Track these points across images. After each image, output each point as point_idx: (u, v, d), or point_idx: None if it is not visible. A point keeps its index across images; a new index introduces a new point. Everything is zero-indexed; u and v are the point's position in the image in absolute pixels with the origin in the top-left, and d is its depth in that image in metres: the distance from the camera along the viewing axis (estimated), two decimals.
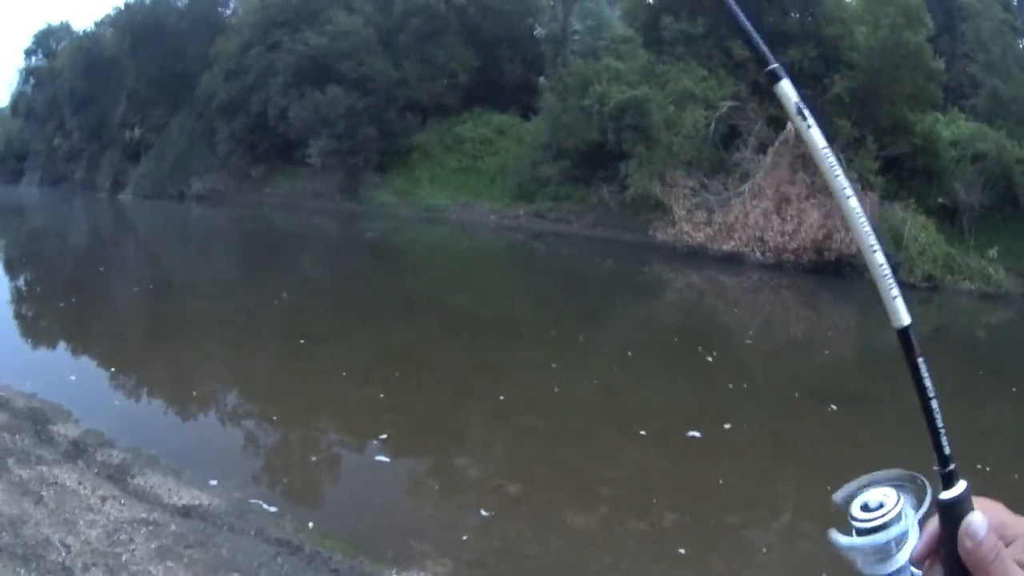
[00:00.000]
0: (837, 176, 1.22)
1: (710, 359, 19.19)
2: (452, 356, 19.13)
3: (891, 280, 1.25)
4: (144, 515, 9.65)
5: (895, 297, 1.25)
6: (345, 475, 12.71)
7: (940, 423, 1.28)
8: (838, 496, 1.41)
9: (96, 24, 76.31)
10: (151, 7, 65.57)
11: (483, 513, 10.64)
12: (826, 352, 21.82)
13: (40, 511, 9.42)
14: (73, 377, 16.51)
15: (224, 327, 21.73)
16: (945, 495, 1.26)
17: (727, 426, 13.82)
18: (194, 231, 48.42)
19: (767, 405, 16.06)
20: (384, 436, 13.24)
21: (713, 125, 35.41)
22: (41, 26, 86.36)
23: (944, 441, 1.28)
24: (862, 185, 30.97)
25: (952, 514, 1.25)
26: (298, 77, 49.89)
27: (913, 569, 1.33)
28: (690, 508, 11.16)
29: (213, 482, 11.03)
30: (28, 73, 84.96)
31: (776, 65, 1.27)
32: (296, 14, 53.51)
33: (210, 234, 46.41)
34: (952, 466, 1.26)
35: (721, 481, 12.09)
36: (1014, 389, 17.85)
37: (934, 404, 1.28)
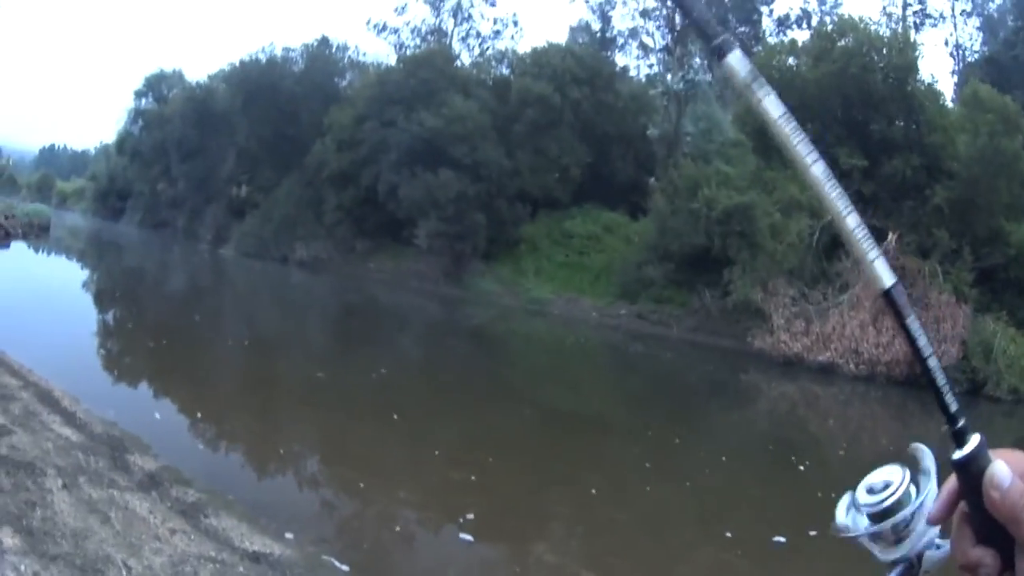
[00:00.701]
0: (797, 144, 1.26)
1: (801, 468, 19.86)
2: (545, 445, 19.54)
3: (869, 243, 1.29)
4: (212, 553, 9.76)
5: (874, 260, 1.28)
6: (424, 548, 12.91)
7: (942, 380, 1.28)
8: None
9: (209, 77, 79.47)
10: (267, 67, 68.02)
11: None
12: None
13: (106, 530, 9.52)
14: (157, 415, 17.26)
15: (318, 392, 22.18)
16: (958, 453, 1.27)
17: (812, 533, 13.64)
18: (295, 295, 49.59)
19: None
20: (470, 516, 13.30)
21: (817, 234, 35.95)
22: (153, 70, 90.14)
23: (949, 398, 1.27)
24: (956, 297, 31.95)
25: (971, 471, 1.26)
26: (411, 156, 50.86)
27: (938, 540, 1.37)
28: None
29: (289, 535, 11.31)
30: (137, 114, 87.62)
31: (723, 37, 1.25)
32: (412, 93, 54.74)
33: (311, 300, 47.72)
34: (962, 422, 1.26)
35: None
36: None
37: (932, 362, 1.28)
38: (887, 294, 1.29)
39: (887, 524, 1.38)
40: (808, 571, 13.34)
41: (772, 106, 1.26)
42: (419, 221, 49.81)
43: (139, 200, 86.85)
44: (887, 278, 1.27)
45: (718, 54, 1.25)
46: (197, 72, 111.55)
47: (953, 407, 1.27)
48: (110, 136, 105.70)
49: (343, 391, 22.72)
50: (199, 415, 17.77)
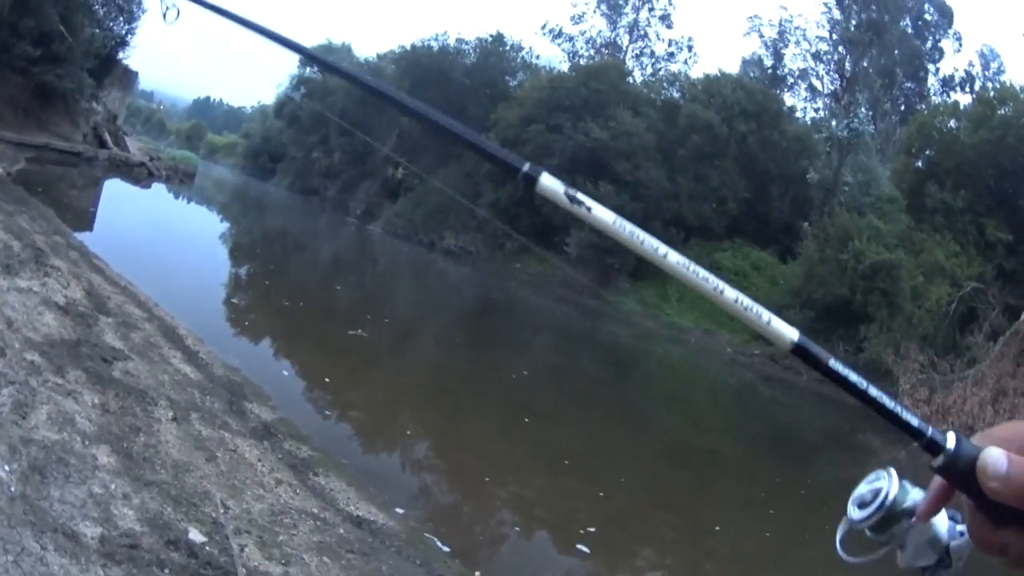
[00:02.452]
0: (642, 241, 1.38)
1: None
2: (671, 474, 19.75)
3: (757, 309, 1.35)
4: (315, 510, 9.64)
5: (769, 321, 1.34)
6: (535, 549, 12.86)
7: (890, 403, 1.33)
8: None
9: (378, 56, 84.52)
10: (438, 55, 71.78)
11: None
12: None
13: (209, 467, 9.46)
14: (285, 372, 18.08)
15: (449, 380, 22.78)
16: (937, 460, 1.30)
17: None
18: (438, 282, 51.35)
19: None
20: (592, 529, 13.23)
21: (955, 304, 37.36)
22: (321, 41, 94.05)
23: (907, 415, 1.32)
24: None
25: (959, 469, 1.29)
26: (573, 164, 52.51)
27: (960, 527, 1.43)
28: None
29: (398, 509, 11.47)
30: (300, 81, 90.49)
31: (526, 167, 1.34)
32: (582, 102, 57.30)
33: (454, 290, 49.43)
34: (929, 431, 1.29)
35: None
36: None
37: (872, 391, 1.33)
38: (796, 347, 1.39)
39: (897, 529, 1.46)
40: None
41: (602, 214, 1.41)
42: (572, 230, 50.81)
43: (291, 164, 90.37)
44: (790, 333, 1.37)
45: (527, 182, 1.37)
46: (365, 50, 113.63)
47: (914, 422, 1.34)
48: (268, 99, 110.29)
49: (475, 385, 23.10)
50: (326, 380, 18.44)
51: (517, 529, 13.38)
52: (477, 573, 10.59)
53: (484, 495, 14.48)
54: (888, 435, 30.82)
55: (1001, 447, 1.30)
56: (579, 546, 12.54)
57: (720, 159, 54.86)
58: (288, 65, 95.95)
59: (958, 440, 1.32)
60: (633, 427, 23.57)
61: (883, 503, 1.44)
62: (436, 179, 63.58)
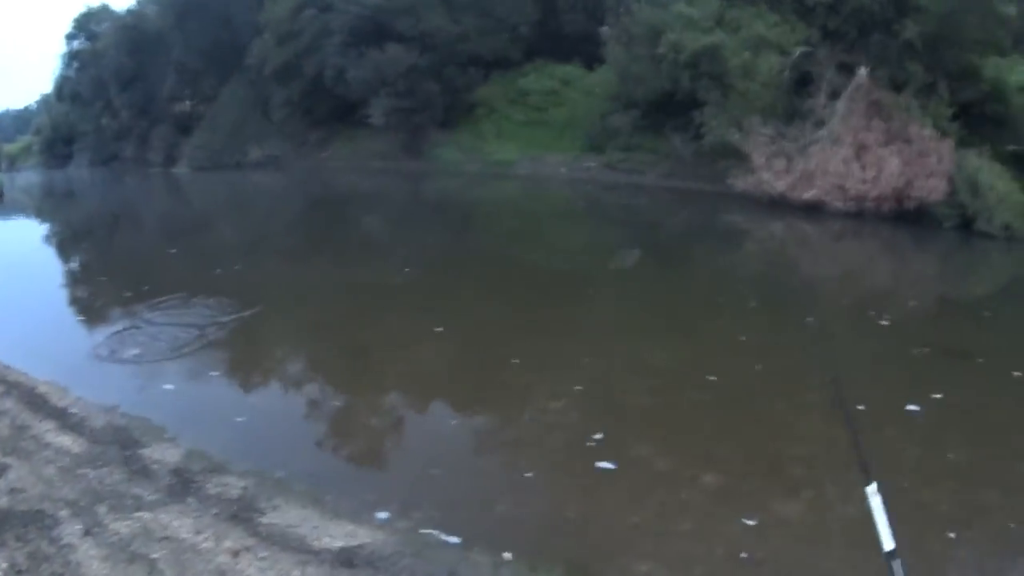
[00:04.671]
0: None
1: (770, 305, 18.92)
2: (584, 304, 18.35)
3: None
4: (295, 571, 7.81)
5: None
6: (548, 485, 10.43)
7: None
8: None
9: (138, 2, 76.03)
10: None
11: (748, 523, 9.01)
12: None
13: None
14: (166, 387, 13.84)
15: (334, 309, 19.23)
16: None
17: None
18: (256, 199, 46.94)
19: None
20: (599, 436, 11.17)
21: (787, 72, 33.92)
22: (80, 10, 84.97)
23: None
24: (937, 132, 29.83)
25: None
26: (355, 37, 48.42)
27: None
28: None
29: (380, 515, 9.15)
30: (71, 57, 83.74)
31: None
32: None
33: (274, 201, 45.25)
34: None
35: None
36: None
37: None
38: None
39: None
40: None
41: None
42: (371, 100, 47.51)
43: (85, 140, 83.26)
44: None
45: None
46: (123, 1, 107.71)
47: None
48: (48, 87, 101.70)
49: (359, 301, 19.54)
50: (210, 371, 14.66)
51: (513, 468, 10.67)
52: (507, 555, 8.38)
53: (444, 438, 11.91)
54: (752, 211, 30.68)
55: None
56: (599, 463, 10.42)
57: None
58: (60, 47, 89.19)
59: None
60: (512, 272, 22.02)
61: None
62: (224, 98, 60.08)
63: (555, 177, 40.21)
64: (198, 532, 8.37)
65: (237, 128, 57.47)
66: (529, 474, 10.34)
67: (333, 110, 51.67)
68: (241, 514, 8.87)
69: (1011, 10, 32.74)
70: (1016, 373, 13.69)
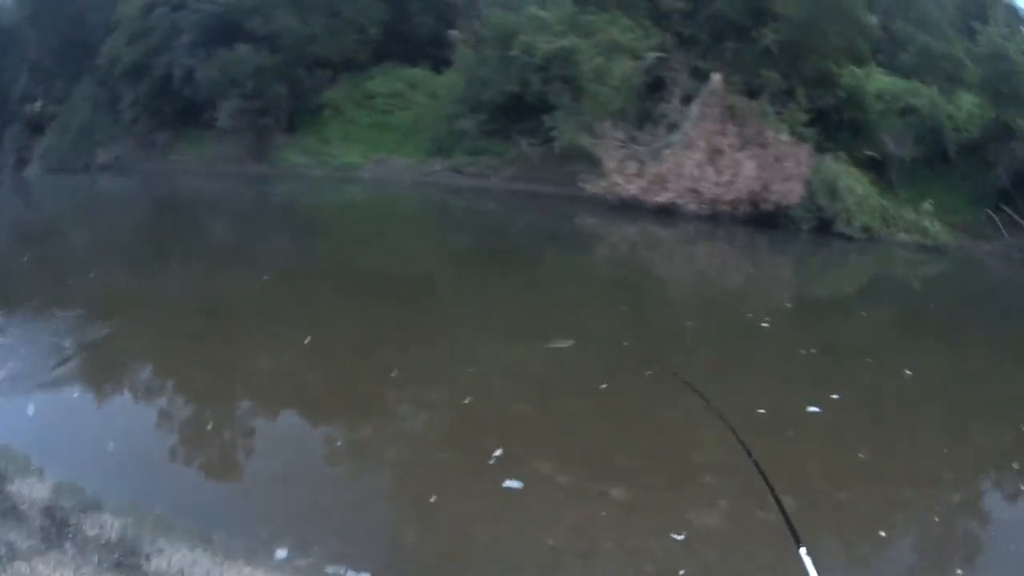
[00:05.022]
0: None
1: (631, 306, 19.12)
2: (425, 307, 18.27)
3: None
4: None
5: None
6: (455, 509, 9.52)
7: None
8: None
9: None
10: None
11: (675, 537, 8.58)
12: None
13: None
14: (29, 409, 12.21)
15: (192, 316, 17.64)
16: None
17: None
18: (100, 204, 44.56)
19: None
20: (498, 453, 10.45)
21: (640, 76, 33.64)
22: None
23: None
24: (795, 137, 30.07)
25: None
26: (205, 36, 46.29)
27: None
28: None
29: (280, 553, 8.08)
30: None
31: None
32: None
33: (118, 205, 42.80)
34: None
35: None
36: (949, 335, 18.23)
37: None
38: None
39: None
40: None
41: None
42: (219, 102, 45.36)
43: None
44: None
45: None
46: None
47: None
48: None
49: (211, 311, 18.02)
50: (73, 392, 12.95)
51: (417, 490, 9.71)
52: None
53: (335, 462, 10.97)
54: (604, 215, 30.00)
55: None
56: (506, 483, 9.73)
57: None
58: None
59: None
60: (371, 279, 21.03)
61: None
62: (75, 99, 56.74)
63: (401, 181, 39.08)
64: None
65: (86, 130, 54.95)
66: (433, 498, 9.45)
67: (181, 112, 49.54)
68: (125, 560, 7.77)
69: (872, 19, 33.41)
70: (907, 371, 14.29)
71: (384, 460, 10.62)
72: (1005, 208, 28.28)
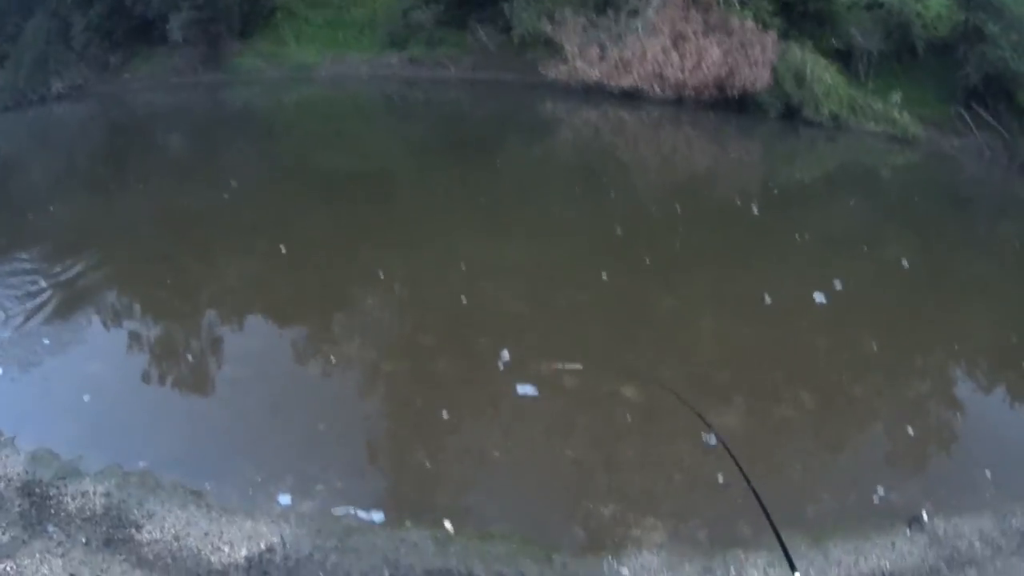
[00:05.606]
0: None
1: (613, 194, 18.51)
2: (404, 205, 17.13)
3: None
4: None
5: None
6: (471, 423, 8.99)
7: None
8: None
9: None
10: None
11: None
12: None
13: None
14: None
15: (146, 229, 16.34)
16: None
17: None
18: (55, 133, 42.52)
19: None
20: (505, 356, 10.00)
21: None
22: None
23: None
24: (760, 25, 29.14)
25: None
26: None
27: None
28: None
29: (282, 499, 7.48)
30: None
31: None
32: None
33: (73, 132, 41.59)
34: None
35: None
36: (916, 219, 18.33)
37: None
38: None
39: None
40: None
41: None
42: (170, 16, 43.67)
43: None
44: None
45: None
46: None
47: None
48: None
49: (162, 227, 16.49)
50: (44, 341, 11.32)
51: (420, 413, 8.88)
52: (448, 524, 7.06)
53: (330, 384, 9.89)
54: (567, 100, 28.89)
55: None
56: (522, 390, 9.28)
57: None
58: None
59: None
60: (338, 180, 19.73)
61: None
62: (27, 32, 53.43)
63: (358, 77, 37.93)
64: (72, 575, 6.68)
65: (40, 61, 52.35)
66: (445, 414, 8.91)
67: (133, 31, 47.52)
68: (115, 535, 7.17)
69: None
70: (904, 262, 14.17)
71: (385, 375, 9.80)
72: (975, 106, 27.59)
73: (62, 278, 13.53)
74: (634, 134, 26.94)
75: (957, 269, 15.17)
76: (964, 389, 10.74)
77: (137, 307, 12.59)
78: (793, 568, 4.12)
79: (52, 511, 7.47)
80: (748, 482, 5.03)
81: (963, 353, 11.41)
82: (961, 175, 25.49)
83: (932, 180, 24.25)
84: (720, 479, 7.83)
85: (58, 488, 7.75)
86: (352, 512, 7.23)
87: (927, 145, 26.79)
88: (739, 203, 17.69)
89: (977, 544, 7.99)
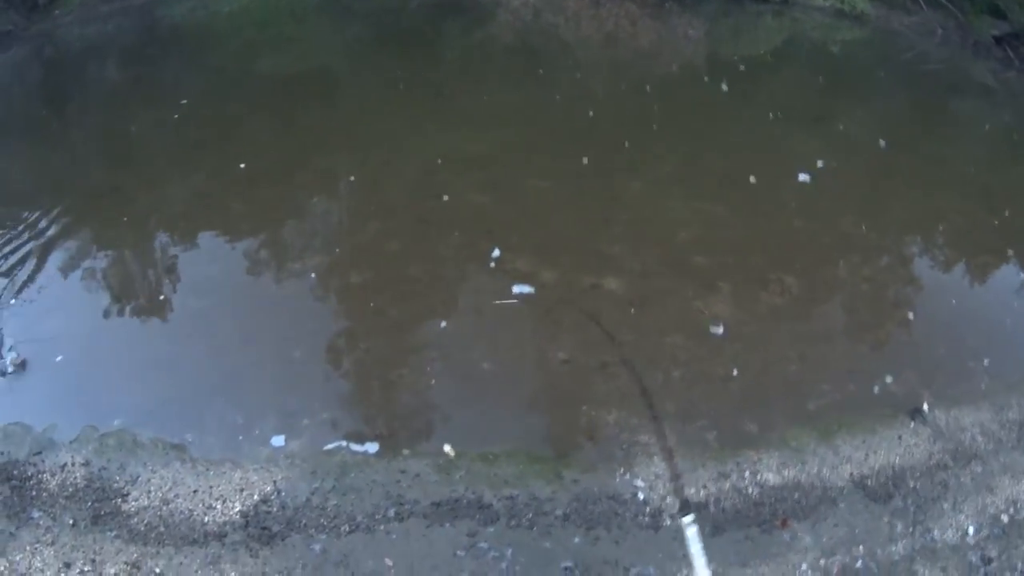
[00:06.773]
0: None
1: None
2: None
3: None
4: (209, 555, 5.92)
5: None
6: (444, 338, 8.55)
7: None
8: None
9: None
10: None
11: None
12: None
13: None
14: None
15: (104, 160, 15.10)
16: None
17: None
18: None
19: None
20: (496, 253, 9.63)
21: None
22: None
23: None
24: None
25: None
26: None
27: None
28: None
29: (276, 441, 7.04)
30: None
31: None
32: None
33: (6, 79, 39.43)
34: None
35: None
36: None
37: None
38: None
39: None
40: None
41: None
42: None
43: None
44: None
45: None
46: None
47: None
48: None
49: (124, 151, 15.10)
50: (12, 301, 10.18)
51: (405, 342, 8.19)
52: (447, 448, 6.77)
53: (308, 301, 9.09)
54: None
55: None
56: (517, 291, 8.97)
57: None
58: None
59: None
60: (291, 85, 17.86)
61: None
62: None
63: None
64: (68, 566, 6.34)
65: None
66: (423, 325, 8.57)
67: None
68: (102, 509, 6.79)
69: None
70: (881, 141, 13.86)
71: (356, 288, 9.14)
72: None
73: (7, 230, 12.38)
74: (575, 12, 25.23)
75: (936, 150, 14.76)
76: (957, 274, 10.76)
77: (91, 249, 11.54)
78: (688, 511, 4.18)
79: (34, 494, 7.04)
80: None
81: (951, 237, 11.32)
82: (914, 52, 24.56)
83: (886, 57, 23.36)
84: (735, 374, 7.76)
85: (36, 466, 7.29)
86: (344, 446, 6.80)
87: (876, 22, 25.65)
88: (708, 80, 17.28)
89: (979, 438, 8.24)
